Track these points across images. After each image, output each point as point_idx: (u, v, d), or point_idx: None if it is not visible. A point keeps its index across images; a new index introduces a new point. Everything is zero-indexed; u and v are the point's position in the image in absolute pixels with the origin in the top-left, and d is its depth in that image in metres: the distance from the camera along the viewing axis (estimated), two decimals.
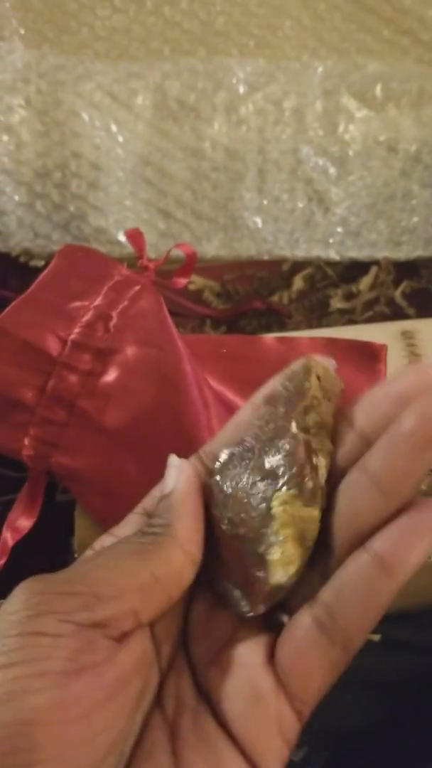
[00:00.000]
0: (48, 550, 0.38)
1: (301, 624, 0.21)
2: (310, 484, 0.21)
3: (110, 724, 0.19)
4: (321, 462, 0.21)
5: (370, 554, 0.20)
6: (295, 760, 0.38)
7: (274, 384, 0.23)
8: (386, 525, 0.20)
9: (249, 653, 0.22)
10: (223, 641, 0.22)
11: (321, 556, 0.21)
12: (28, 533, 0.35)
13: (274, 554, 0.20)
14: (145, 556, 0.21)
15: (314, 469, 0.21)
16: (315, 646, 0.20)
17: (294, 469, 0.21)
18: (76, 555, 0.37)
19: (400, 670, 0.41)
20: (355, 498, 0.21)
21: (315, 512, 0.21)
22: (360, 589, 0.20)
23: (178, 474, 0.23)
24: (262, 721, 0.20)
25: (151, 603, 0.21)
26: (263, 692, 0.21)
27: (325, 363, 0.23)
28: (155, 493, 0.25)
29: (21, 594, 0.20)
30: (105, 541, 0.24)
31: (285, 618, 0.22)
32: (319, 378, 0.22)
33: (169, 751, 0.20)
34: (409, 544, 0.19)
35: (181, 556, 0.21)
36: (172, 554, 0.21)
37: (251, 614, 0.21)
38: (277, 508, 0.21)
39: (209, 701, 0.21)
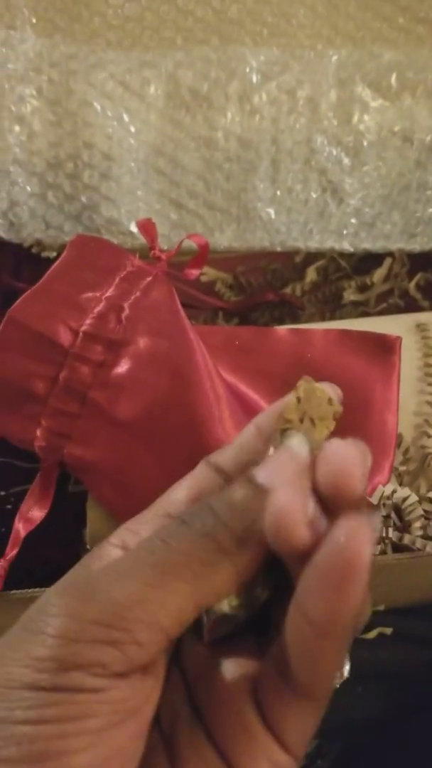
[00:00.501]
0: (60, 541, 0.38)
1: (267, 665, 0.19)
2: None
3: (141, 764, 0.18)
4: None
5: (300, 613, 0.17)
6: (307, 751, 0.38)
7: (282, 403, 0.22)
8: (308, 569, 0.17)
9: (236, 684, 0.20)
10: (211, 662, 0.21)
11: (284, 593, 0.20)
12: (41, 524, 0.35)
13: None
14: (196, 582, 0.18)
15: None
16: (278, 693, 0.19)
17: None
18: (88, 546, 0.37)
19: (412, 663, 0.41)
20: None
21: None
22: (299, 646, 0.18)
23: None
24: (254, 759, 0.19)
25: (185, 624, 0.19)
26: (252, 729, 0.19)
27: (315, 385, 0.21)
28: (177, 495, 0.23)
29: (48, 638, 0.17)
30: (124, 535, 0.22)
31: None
32: (299, 399, 0.21)
33: None
34: (338, 606, 0.16)
35: (233, 576, 0.19)
36: (225, 578, 0.19)
37: (204, 641, 0.21)
38: None
39: (202, 720, 0.20)
